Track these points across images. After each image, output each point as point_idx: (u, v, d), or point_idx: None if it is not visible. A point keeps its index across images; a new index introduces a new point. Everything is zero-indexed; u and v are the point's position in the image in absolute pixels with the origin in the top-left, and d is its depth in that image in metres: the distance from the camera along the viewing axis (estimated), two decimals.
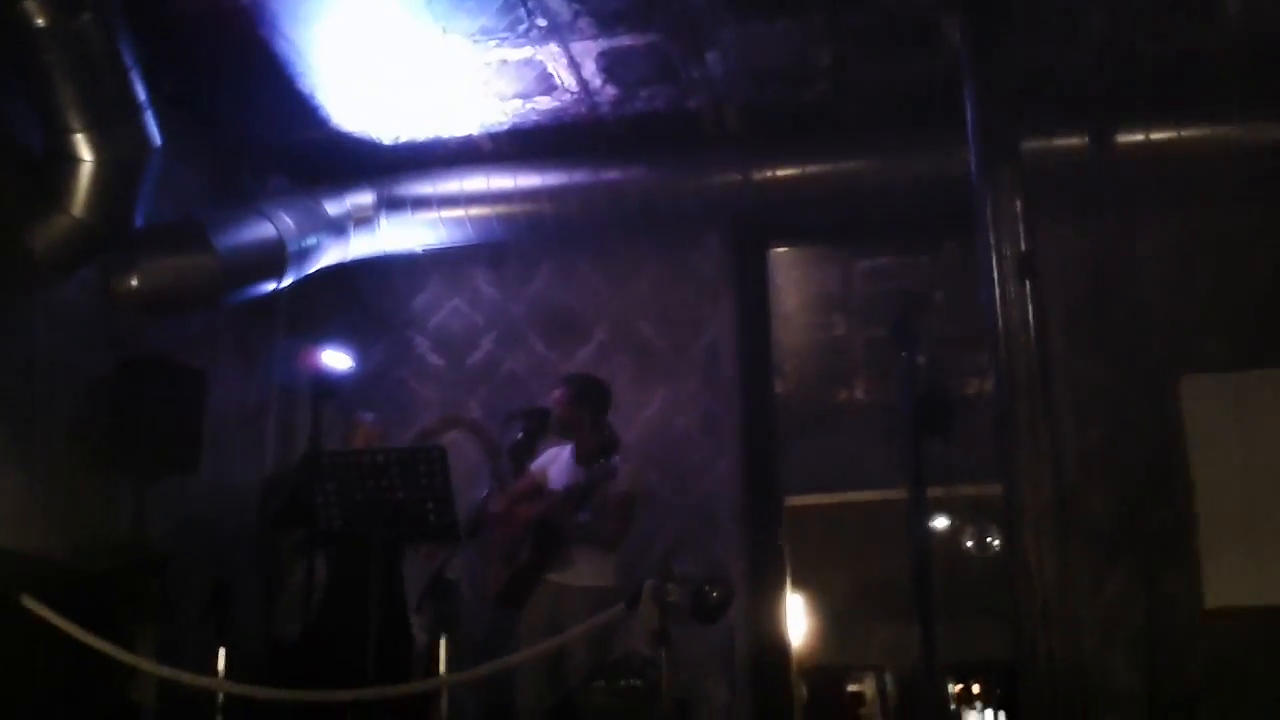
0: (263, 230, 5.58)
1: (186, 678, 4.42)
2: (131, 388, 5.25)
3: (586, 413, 5.31)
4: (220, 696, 4.77)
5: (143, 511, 5.20)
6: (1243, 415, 5.83)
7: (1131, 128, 5.67)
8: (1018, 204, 3.86)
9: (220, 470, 5.93)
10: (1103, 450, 5.95)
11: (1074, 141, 5.73)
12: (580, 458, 5.25)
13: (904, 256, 7.98)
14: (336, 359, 6.04)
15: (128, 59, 4.58)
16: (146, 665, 4.58)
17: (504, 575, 5.19)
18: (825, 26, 5.37)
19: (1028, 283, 3.80)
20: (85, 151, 4.60)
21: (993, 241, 3.87)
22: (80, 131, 4.55)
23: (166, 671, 4.48)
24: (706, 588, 4.36)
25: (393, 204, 6.26)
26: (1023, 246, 3.79)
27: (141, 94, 4.69)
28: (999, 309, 3.87)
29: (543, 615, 5.02)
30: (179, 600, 5.18)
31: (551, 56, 5.51)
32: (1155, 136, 5.68)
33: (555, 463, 5.37)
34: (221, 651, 4.82)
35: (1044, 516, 3.89)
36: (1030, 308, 3.85)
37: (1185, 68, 5.58)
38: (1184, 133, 5.68)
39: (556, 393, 5.41)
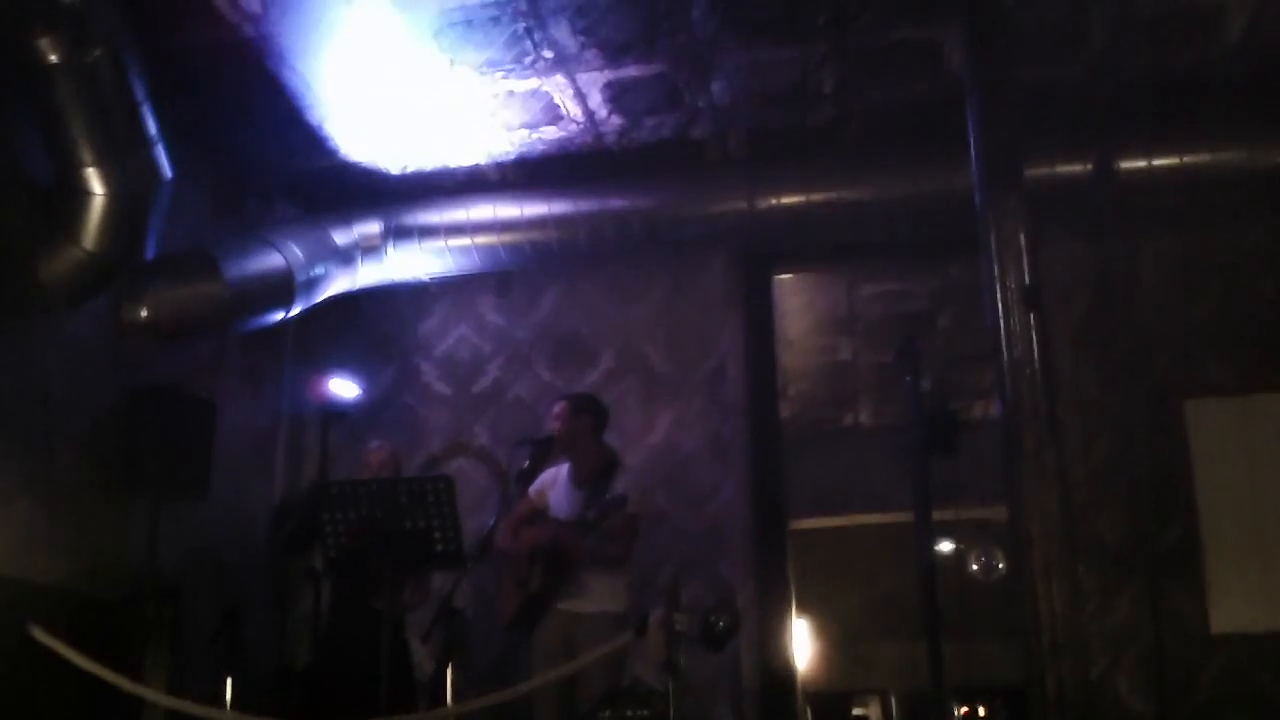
0: (271, 260, 5.62)
1: (194, 709, 4.43)
2: (142, 416, 5.29)
3: (587, 425, 5.31)
4: None
5: (154, 538, 5.21)
6: (1248, 439, 5.84)
7: (1134, 154, 5.70)
8: (1021, 236, 3.88)
9: (230, 497, 5.96)
10: (1108, 472, 5.96)
11: (1077, 164, 5.76)
12: (578, 478, 5.26)
13: (908, 279, 8.01)
14: (344, 386, 6.08)
15: (138, 94, 4.63)
16: (154, 696, 4.59)
17: (515, 601, 5.19)
18: (828, 52, 5.41)
19: (1032, 315, 3.82)
20: (97, 185, 4.64)
21: (997, 273, 3.90)
22: (92, 166, 4.60)
23: (174, 702, 4.48)
24: (713, 617, 4.38)
25: (400, 233, 6.31)
26: (1027, 279, 3.81)
27: (152, 128, 4.73)
28: (1004, 339, 3.89)
29: (556, 641, 5.02)
30: (190, 626, 5.20)
31: (558, 87, 5.56)
32: (1158, 163, 5.71)
33: (555, 484, 5.37)
34: (229, 681, 4.83)
35: (1051, 542, 3.90)
36: (1035, 338, 3.87)
37: (1187, 90, 5.62)
38: (1186, 159, 5.71)
39: (556, 408, 5.43)
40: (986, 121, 4.23)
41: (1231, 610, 5.68)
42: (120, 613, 4.97)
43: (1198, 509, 5.83)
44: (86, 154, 4.55)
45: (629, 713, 4.49)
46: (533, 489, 5.42)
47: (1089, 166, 5.75)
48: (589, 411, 5.35)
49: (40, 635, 4.35)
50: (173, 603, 5.19)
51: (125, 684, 4.35)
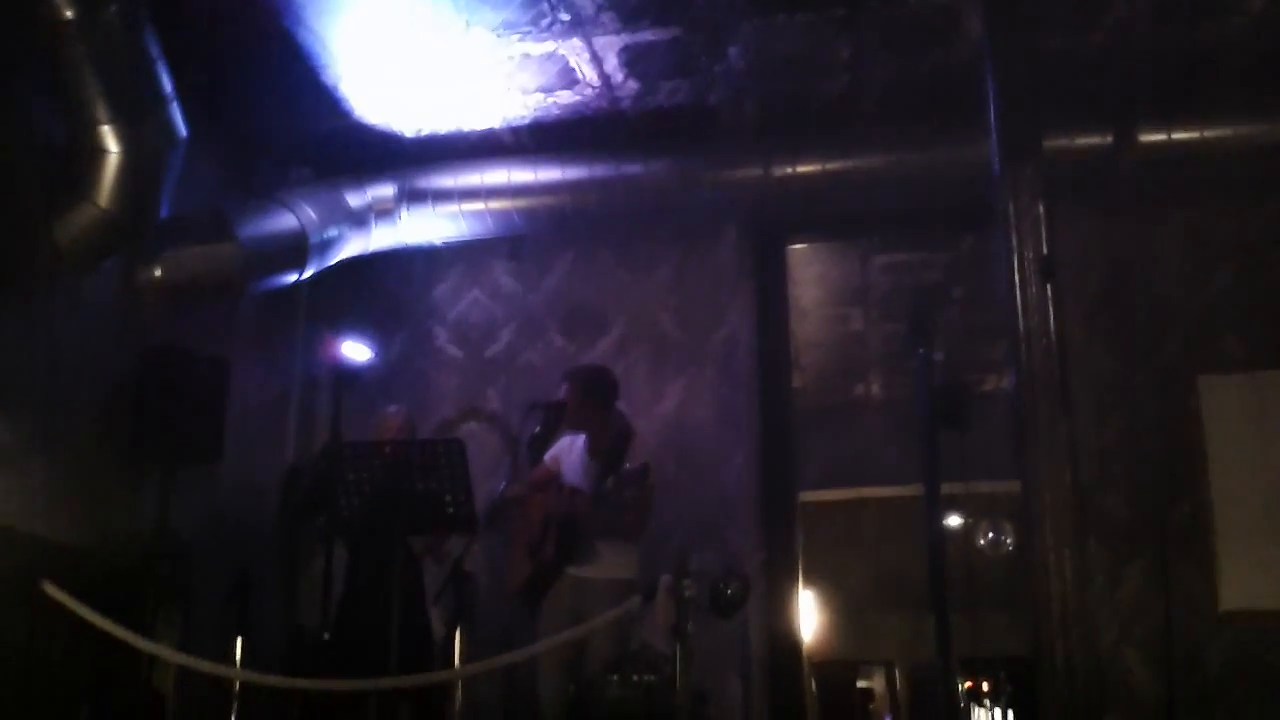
0: (285, 221, 5.61)
1: (205, 666, 4.46)
2: (155, 378, 5.28)
3: (595, 405, 5.32)
4: (237, 685, 4.82)
5: (166, 501, 5.23)
6: (1261, 415, 5.82)
7: (1154, 127, 5.65)
8: (1039, 205, 3.85)
9: (242, 460, 5.96)
10: (1120, 448, 5.95)
11: (1095, 137, 5.72)
12: (593, 450, 5.27)
13: (922, 251, 7.98)
14: (357, 349, 6.08)
15: (153, 51, 4.61)
16: (165, 653, 4.62)
17: (525, 569, 5.21)
18: (846, 20, 5.37)
19: (1048, 285, 3.79)
20: (112, 143, 4.63)
21: (1014, 243, 3.87)
22: (107, 123, 4.58)
23: (185, 659, 4.52)
24: (723, 584, 4.39)
25: (414, 196, 6.29)
26: (1044, 248, 3.79)
27: (168, 85, 4.72)
28: (1019, 310, 3.87)
29: (565, 607, 5.04)
30: (201, 589, 5.22)
31: (574, 51, 5.52)
32: (1178, 136, 5.66)
33: (569, 453, 5.37)
34: (239, 641, 4.86)
35: (1061, 517, 3.89)
36: (1051, 309, 3.85)
37: (1207, 63, 5.57)
38: (1207, 132, 5.66)
39: (563, 389, 5.43)
40: (1004, 91, 4.19)
41: (1241, 587, 5.68)
42: (132, 575, 4.98)
43: (1209, 485, 5.81)
44: (101, 111, 4.52)
45: (636, 677, 4.51)
46: (548, 456, 5.43)
47: (1107, 139, 5.70)
48: (595, 392, 5.33)
49: (53, 591, 4.38)
50: (184, 566, 5.22)
51: (138, 641, 4.38)
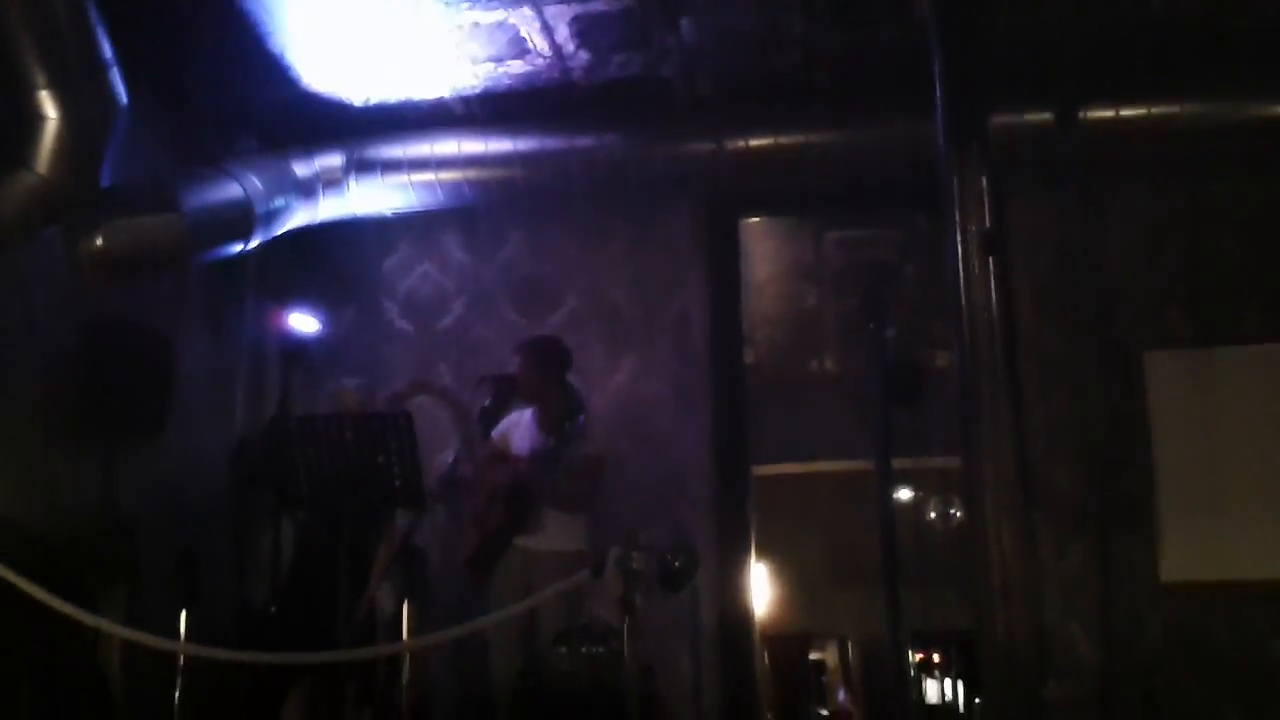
0: (230, 191, 5.52)
1: (150, 640, 4.41)
2: (98, 354, 5.20)
3: (548, 375, 5.33)
4: (182, 659, 4.78)
5: (111, 478, 5.16)
6: (1206, 392, 5.90)
7: (1101, 104, 5.69)
8: (983, 181, 3.87)
9: (188, 435, 5.89)
10: (1066, 422, 6.01)
11: (1043, 115, 5.74)
12: (544, 422, 5.26)
13: (875, 228, 8.00)
14: (305, 322, 6.03)
15: (92, 16, 4.51)
16: (109, 627, 4.57)
17: (475, 541, 5.21)
18: None
19: (991, 260, 3.82)
20: (50, 109, 4.52)
21: (958, 219, 3.89)
22: (45, 89, 4.47)
23: (130, 634, 4.46)
24: (670, 556, 4.41)
25: (362, 166, 6.21)
26: (988, 224, 3.81)
27: (108, 51, 4.61)
28: (963, 286, 3.89)
29: (515, 581, 5.06)
30: (147, 566, 5.16)
31: (524, 20, 5.46)
32: (1125, 113, 5.71)
33: (518, 427, 5.38)
34: (184, 615, 4.82)
35: (1004, 490, 3.93)
36: (994, 284, 3.88)
37: (1156, 42, 5.60)
38: (1154, 110, 5.70)
39: (515, 361, 5.42)
40: (950, 67, 4.20)
41: (1182, 559, 5.77)
42: (75, 552, 4.91)
43: (1153, 459, 5.89)
44: (39, 76, 4.42)
45: (584, 649, 4.53)
46: (496, 433, 5.43)
47: (1054, 116, 5.73)
48: (550, 361, 5.35)
49: None
50: (129, 542, 5.16)
51: (81, 615, 4.32)
